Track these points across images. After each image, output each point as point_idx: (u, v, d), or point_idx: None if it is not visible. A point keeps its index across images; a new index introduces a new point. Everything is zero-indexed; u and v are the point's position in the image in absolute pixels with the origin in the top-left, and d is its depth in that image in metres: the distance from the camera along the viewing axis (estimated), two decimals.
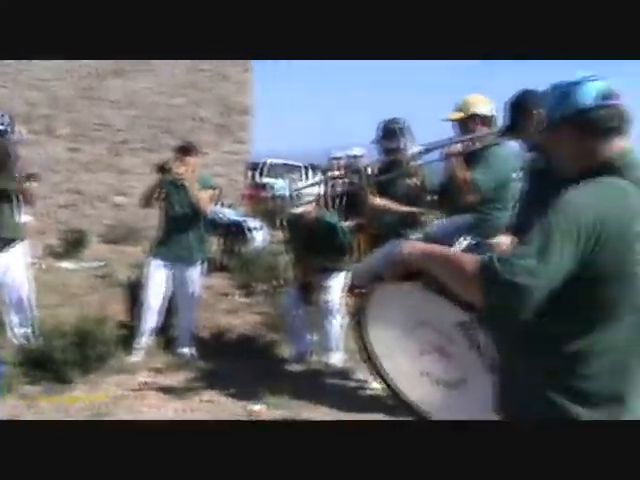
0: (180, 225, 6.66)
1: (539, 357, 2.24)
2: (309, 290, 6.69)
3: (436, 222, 5.33)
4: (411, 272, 2.52)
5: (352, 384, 6.22)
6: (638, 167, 2.25)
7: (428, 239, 3.28)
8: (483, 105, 4.96)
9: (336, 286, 6.56)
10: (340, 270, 6.63)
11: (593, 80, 2.28)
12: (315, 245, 6.54)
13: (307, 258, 6.69)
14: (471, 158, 4.80)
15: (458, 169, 4.70)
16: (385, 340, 4.10)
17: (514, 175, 4.70)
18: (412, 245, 2.47)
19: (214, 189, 6.95)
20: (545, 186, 2.34)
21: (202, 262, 6.90)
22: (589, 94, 2.25)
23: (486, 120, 4.94)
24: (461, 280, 2.16)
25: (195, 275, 6.78)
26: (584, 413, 2.16)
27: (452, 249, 3.26)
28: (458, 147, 4.81)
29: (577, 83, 2.28)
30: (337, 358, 6.60)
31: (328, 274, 6.59)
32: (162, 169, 6.46)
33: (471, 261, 2.13)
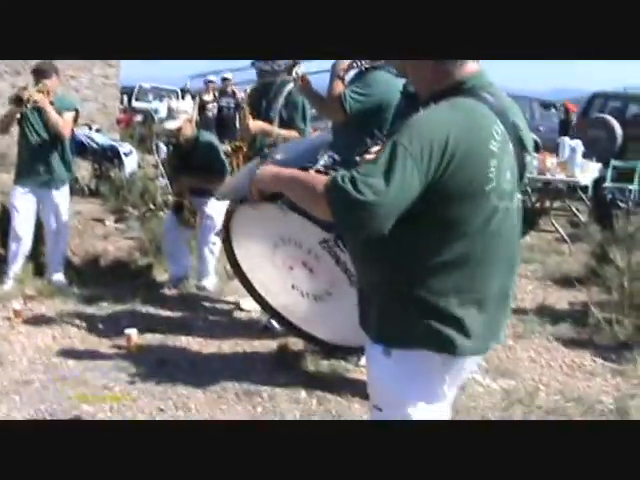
0: (41, 150, 6.42)
1: (390, 272, 2.30)
2: (183, 212, 6.60)
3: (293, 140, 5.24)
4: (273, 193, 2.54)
5: (224, 307, 6.32)
6: (489, 88, 2.30)
7: (285, 156, 3.28)
8: None
9: (212, 209, 6.47)
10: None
11: None
12: (191, 165, 6.46)
13: (182, 179, 6.58)
14: (354, 78, 4.73)
15: (334, 83, 4.62)
16: (252, 256, 4.24)
17: (394, 102, 4.52)
18: (263, 171, 2.48)
19: (76, 110, 6.71)
20: (413, 110, 2.31)
21: (67, 185, 6.72)
22: None
23: None
24: (311, 200, 2.20)
25: (61, 199, 6.60)
26: (435, 325, 2.25)
27: (314, 167, 3.31)
28: (346, 63, 4.67)
29: None
30: (209, 281, 6.67)
31: (204, 197, 6.48)
32: (18, 101, 6.19)
33: (320, 180, 2.17)
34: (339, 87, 4.58)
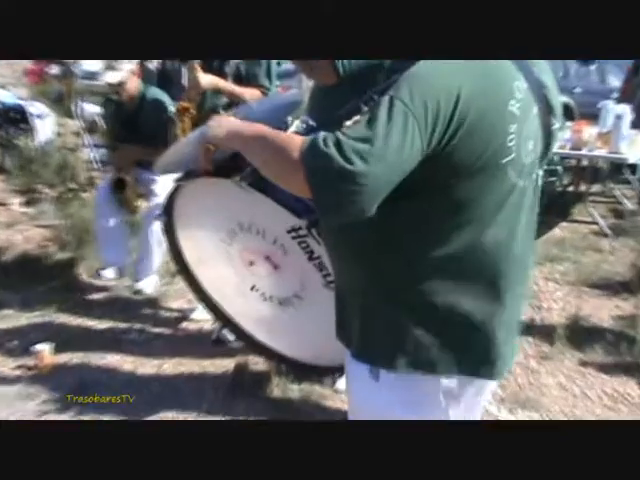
0: None
1: (378, 269, 2.27)
2: (126, 191, 6.51)
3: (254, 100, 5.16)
4: (229, 164, 2.54)
5: (166, 314, 6.31)
6: None
7: (245, 119, 3.24)
8: None
9: (162, 187, 6.18)
10: None
11: None
12: (136, 131, 6.44)
13: (125, 148, 6.55)
14: None
15: None
16: (201, 248, 4.19)
17: None
18: (219, 123, 2.42)
19: None
20: None
21: None
22: None
23: None
24: (281, 167, 2.12)
25: None
26: (437, 341, 2.23)
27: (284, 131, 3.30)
28: None
29: None
30: (148, 283, 6.63)
31: (149, 172, 6.19)
32: None
33: (294, 142, 2.07)
34: None
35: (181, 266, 4.33)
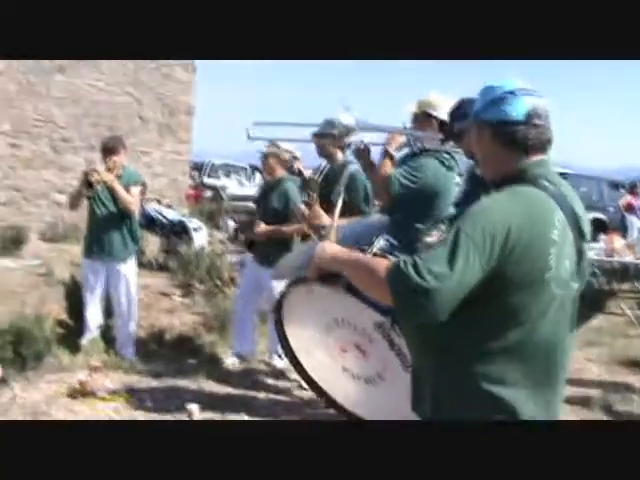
0: (109, 223, 6.55)
1: (446, 357, 2.29)
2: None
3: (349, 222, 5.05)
4: (331, 274, 2.59)
5: (287, 385, 6.28)
6: (549, 177, 2.31)
7: (343, 236, 3.33)
8: (440, 108, 4.53)
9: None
10: None
11: (527, 94, 2.32)
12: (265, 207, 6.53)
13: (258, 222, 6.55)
14: (405, 160, 4.71)
15: (383, 162, 4.58)
16: (304, 338, 4.17)
17: (445, 187, 4.56)
18: (324, 249, 2.53)
19: (143, 184, 6.86)
20: (479, 192, 2.41)
21: (134, 257, 6.82)
22: (519, 108, 2.29)
23: (440, 124, 4.53)
24: (372, 283, 2.22)
25: (128, 272, 6.69)
26: (491, 414, 2.21)
27: (370, 249, 3.37)
28: (398, 140, 4.62)
29: (510, 92, 2.32)
30: (279, 360, 6.50)
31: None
32: (89, 184, 6.37)
33: (381, 265, 2.19)
34: (387, 167, 4.57)
35: (288, 353, 4.25)
